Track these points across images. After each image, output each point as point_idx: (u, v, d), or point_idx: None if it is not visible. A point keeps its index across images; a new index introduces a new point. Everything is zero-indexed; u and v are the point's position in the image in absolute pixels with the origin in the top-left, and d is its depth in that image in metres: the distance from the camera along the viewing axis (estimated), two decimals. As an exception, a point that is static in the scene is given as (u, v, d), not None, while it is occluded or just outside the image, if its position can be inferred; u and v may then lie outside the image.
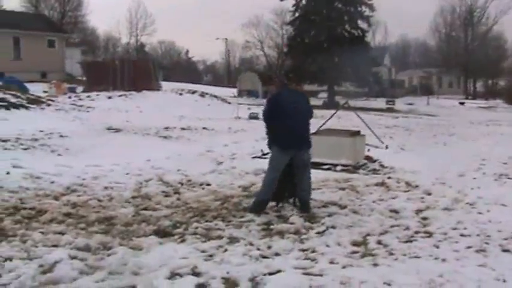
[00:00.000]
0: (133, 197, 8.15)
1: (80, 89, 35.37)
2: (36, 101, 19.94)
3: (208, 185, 9.23)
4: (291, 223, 6.72)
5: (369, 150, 12.70)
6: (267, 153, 8.50)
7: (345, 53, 37.64)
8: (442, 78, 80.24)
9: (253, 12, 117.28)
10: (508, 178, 10.43)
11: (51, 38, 47.55)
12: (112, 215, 6.98)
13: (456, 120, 31.14)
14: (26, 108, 17.98)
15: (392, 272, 5.00)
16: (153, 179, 9.53)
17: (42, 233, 5.97)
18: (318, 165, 10.52)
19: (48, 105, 20.35)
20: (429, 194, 8.66)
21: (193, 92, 32.08)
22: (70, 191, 8.32)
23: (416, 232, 6.45)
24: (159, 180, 9.42)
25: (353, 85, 46.35)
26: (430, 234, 6.34)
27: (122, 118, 20.34)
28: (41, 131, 14.58)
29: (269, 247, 5.76)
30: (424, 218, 7.13)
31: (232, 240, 5.98)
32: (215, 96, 32.80)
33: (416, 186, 9.36)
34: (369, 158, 11.91)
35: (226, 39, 76.52)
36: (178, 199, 8.12)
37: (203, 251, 5.56)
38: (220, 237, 6.06)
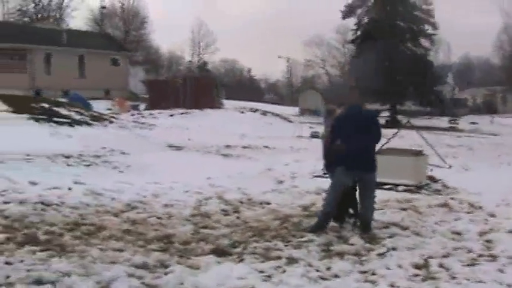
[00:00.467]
0: (192, 215, 8.11)
1: (142, 106, 36.13)
2: (99, 118, 20.35)
3: (268, 204, 9.15)
4: (351, 244, 6.60)
5: (431, 170, 12.56)
6: (328, 173, 8.44)
7: (407, 71, 37.12)
8: (507, 97, 77.82)
9: (315, 30, 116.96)
10: None
11: (114, 56, 48.73)
12: (171, 233, 6.94)
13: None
14: (89, 125, 18.32)
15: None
16: (213, 197, 9.49)
17: (100, 249, 5.96)
18: (379, 185, 10.23)
19: (111, 122, 20.75)
20: (493, 216, 8.39)
21: (255, 111, 32.32)
22: (130, 208, 8.36)
23: (480, 255, 6.24)
24: (218, 199, 9.37)
25: (415, 104, 45.81)
26: (494, 258, 6.10)
27: (184, 136, 20.56)
28: (103, 148, 14.82)
29: (328, 268, 5.65)
30: (488, 241, 6.87)
31: (291, 260, 5.87)
32: (277, 115, 32.87)
33: (480, 207, 9.12)
34: (431, 178, 11.76)
35: (288, 58, 76.82)
36: (237, 218, 8.06)
37: (261, 272, 5.47)
38: (279, 258, 5.95)
